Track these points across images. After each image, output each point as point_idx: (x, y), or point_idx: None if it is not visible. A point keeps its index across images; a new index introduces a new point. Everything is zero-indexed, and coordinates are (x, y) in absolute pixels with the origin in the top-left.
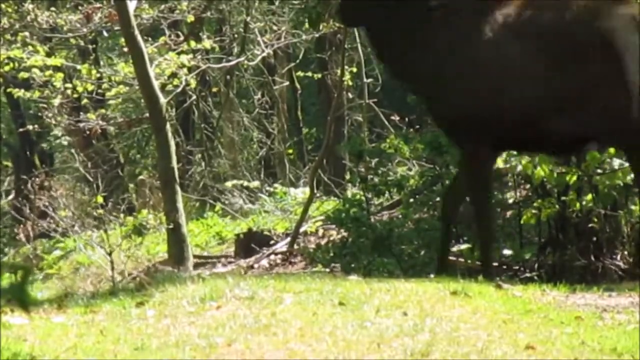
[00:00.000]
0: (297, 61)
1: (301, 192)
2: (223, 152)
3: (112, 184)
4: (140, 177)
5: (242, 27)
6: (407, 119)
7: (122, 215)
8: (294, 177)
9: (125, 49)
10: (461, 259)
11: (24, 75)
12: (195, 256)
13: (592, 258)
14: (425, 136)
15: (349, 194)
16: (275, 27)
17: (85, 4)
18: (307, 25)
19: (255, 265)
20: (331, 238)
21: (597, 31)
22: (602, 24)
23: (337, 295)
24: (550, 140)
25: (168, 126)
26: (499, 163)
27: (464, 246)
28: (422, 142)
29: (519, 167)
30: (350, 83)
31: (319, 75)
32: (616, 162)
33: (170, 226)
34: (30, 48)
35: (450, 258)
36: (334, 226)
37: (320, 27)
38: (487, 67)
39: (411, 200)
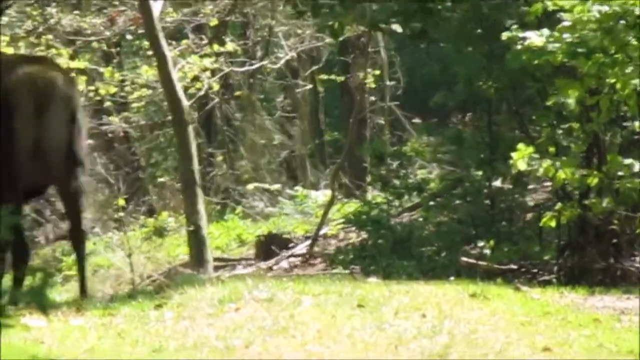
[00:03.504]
0: (320, 64)
1: (322, 195)
2: (245, 155)
3: (133, 187)
4: (161, 179)
5: (266, 30)
6: (428, 122)
7: (142, 218)
8: (315, 180)
9: (149, 52)
10: (480, 262)
11: None
12: (215, 258)
13: (612, 260)
14: (447, 131)
15: (369, 196)
16: (299, 31)
17: (110, 7)
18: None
19: (275, 268)
20: (351, 240)
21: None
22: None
23: (356, 298)
24: None
25: (190, 129)
26: (521, 166)
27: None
28: (443, 136)
29: (540, 170)
30: (373, 86)
31: (342, 78)
32: (637, 166)
33: (191, 228)
34: (54, 51)
35: (470, 260)
36: (354, 228)
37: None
38: None
39: (431, 203)
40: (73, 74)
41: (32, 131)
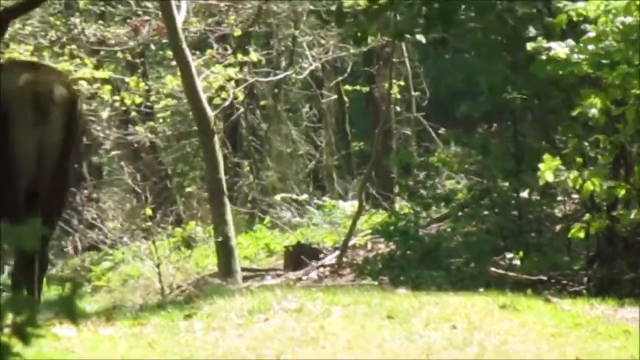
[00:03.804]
0: (345, 74)
1: (350, 205)
2: (271, 165)
3: (161, 196)
4: (189, 189)
5: (290, 40)
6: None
7: (170, 227)
8: (343, 190)
9: (173, 62)
10: (510, 273)
11: None
12: (243, 269)
13: None
14: (475, 139)
15: (397, 207)
16: (323, 41)
17: (134, 17)
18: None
19: (304, 278)
20: (379, 251)
21: None
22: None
23: (386, 308)
24: None
25: (216, 138)
26: (549, 177)
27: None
28: (471, 146)
29: (568, 182)
30: (398, 96)
31: (367, 89)
32: None
33: (219, 239)
34: (78, 61)
35: (499, 271)
36: (382, 239)
37: (369, 41)
38: None
39: (459, 213)
40: (72, 83)
41: (28, 141)
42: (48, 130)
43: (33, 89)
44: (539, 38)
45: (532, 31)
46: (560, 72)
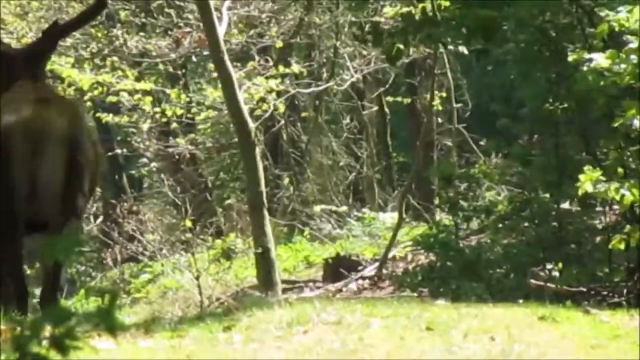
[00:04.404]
0: (387, 86)
1: (390, 217)
2: (311, 177)
3: (201, 208)
4: (229, 201)
5: (332, 52)
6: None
7: (210, 239)
8: (383, 202)
9: (215, 74)
10: (549, 284)
11: (111, 99)
12: (283, 281)
13: None
14: (515, 149)
15: (437, 218)
16: (364, 52)
17: (175, 29)
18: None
19: (344, 290)
20: (419, 263)
21: None
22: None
23: (425, 320)
24: None
25: (257, 150)
26: (589, 187)
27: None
28: (512, 156)
29: (608, 193)
30: (440, 108)
31: (409, 100)
32: None
33: (259, 250)
34: (120, 72)
35: (538, 283)
36: (422, 251)
37: (411, 52)
38: None
39: (500, 225)
40: (78, 107)
41: (23, 175)
42: (44, 166)
43: (28, 125)
44: (580, 49)
45: (573, 43)
46: (602, 83)
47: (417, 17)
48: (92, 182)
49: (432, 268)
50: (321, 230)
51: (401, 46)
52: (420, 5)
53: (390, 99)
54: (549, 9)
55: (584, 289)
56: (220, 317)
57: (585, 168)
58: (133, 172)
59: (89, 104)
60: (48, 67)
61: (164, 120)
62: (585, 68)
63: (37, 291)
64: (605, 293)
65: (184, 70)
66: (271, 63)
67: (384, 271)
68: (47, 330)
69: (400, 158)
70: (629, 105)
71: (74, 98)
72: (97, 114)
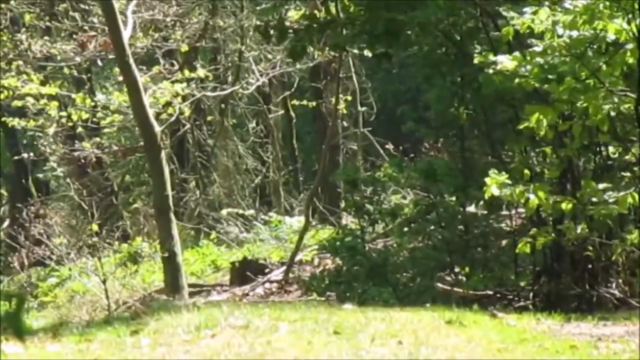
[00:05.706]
0: (292, 90)
1: (296, 221)
2: (218, 181)
3: (107, 212)
4: (135, 205)
5: (237, 56)
6: (401, 148)
7: (116, 243)
8: (289, 206)
9: (120, 78)
10: (456, 288)
11: (17, 103)
12: (190, 285)
13: (587, 287)
14: (419, 164)
15: (344, 222)
16: (269, 56)
17: (80, 33)
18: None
19: (251, 294)
20: (326, 267)
21: None
22: None
23: (333, 324)
24: None
25: (162, 154)
26: (494, 191)
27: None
28: (416, 170)
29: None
30: (345, 111)
31: (314, 104)
32: (610, 192)
33: (166, 254)
34: (25, 76)
35: (445, 287)
36: (329, 255)
37: (316, 56)
38: None
39: (405, 229)
40: None
41: None
42: None
43: None
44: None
45: (480, 44)
46: (508, 85)
47: (321, 19)
48: None
49: (338, 272)
50: (228, 233)
51: (306, 44)
52: (325, 7)
53: (295, 102)
54: (454, 12)
55: (491, 293)
56: (128, 321)
57: (491, 171)
58: (40, 175)
59: None
60: None
61: (70, 124)
62: (490, 70)
63: None
64: (511, 297)
65: (89, 74)
66: (177, 67)
67: (291, 275)
68: None
69: (307, 161)
70: (532, 109)
71: None
72: (3, 118)
